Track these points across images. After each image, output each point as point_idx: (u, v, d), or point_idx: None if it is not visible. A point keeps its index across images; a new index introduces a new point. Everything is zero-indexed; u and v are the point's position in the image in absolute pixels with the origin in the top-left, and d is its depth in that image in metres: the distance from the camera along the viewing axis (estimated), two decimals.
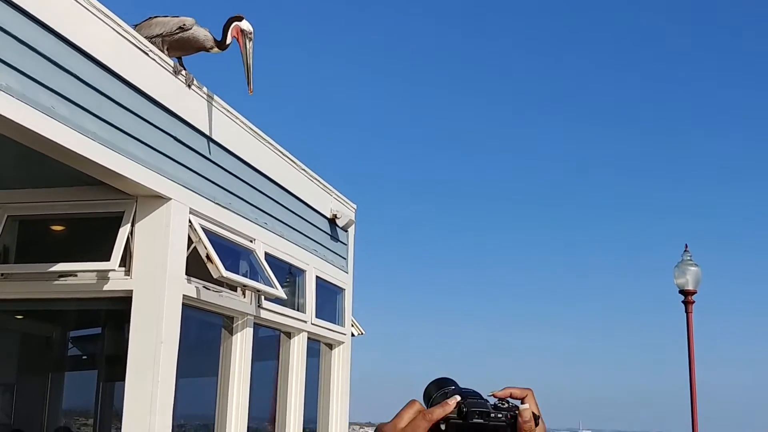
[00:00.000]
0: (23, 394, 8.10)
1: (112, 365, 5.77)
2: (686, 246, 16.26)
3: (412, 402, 1.27)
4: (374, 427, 1.41)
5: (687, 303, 16.74)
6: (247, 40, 6.00)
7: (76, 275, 5.77)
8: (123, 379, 6.14)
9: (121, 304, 5.70)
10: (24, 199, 6.02)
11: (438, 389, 1.34)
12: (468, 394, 1.28)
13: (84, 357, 7.96)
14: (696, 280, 17.03)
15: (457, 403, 1.24)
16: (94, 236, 5.78)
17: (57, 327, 7.49)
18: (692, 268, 16.93)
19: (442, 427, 1.25)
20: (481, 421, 1.26)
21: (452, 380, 1.36)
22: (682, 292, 15.92)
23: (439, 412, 1.24)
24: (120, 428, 5.70)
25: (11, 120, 4.23)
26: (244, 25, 6.00)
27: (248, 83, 6.09)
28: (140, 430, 5.46)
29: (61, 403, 7.99)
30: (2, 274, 5.88)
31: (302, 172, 8.28)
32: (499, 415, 1.27)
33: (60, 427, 7.00)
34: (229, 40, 5.96)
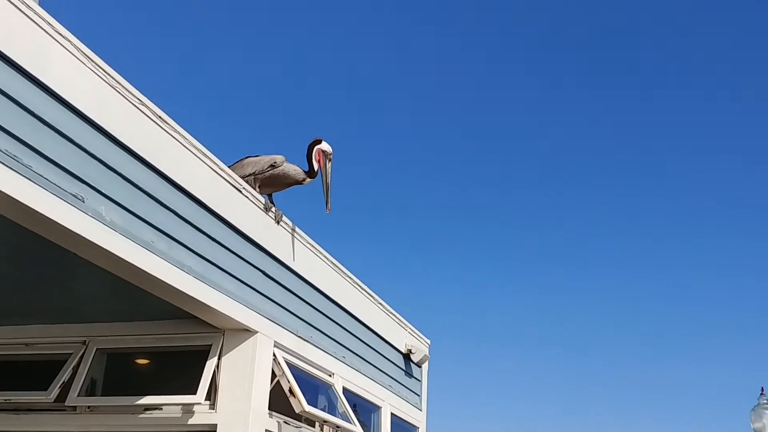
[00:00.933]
0: None
1: None
2: (762, 389, 15.80)
3: None
4: None
5: None
6: (327, 161, 6.12)
7: (161, 408, 5.74)
8: None
9: None
10: (112, 332, 6.08)
11: None
12: None
13: None
14: None
15: None
16: (181, 369, 5.78)
17: None
18: None
19: None
20: None
21: None
22: None
23: None
24: None
25: (114, 254, 4.31)
26: (325, 146, 6.14)
27: (326, 202, 6.19)
28: None
29: None
30: (89, 407, 5.88)
31: (378, 305, 8.29)
32: None
33: None
34: (316, 167, 6.07)
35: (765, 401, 15.53)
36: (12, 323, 6.27)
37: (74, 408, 5.88)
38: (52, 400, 5.80)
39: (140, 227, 4.53)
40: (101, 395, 6.01)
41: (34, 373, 6.01)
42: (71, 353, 6.02)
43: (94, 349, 6.00)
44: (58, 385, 5.83)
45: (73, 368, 5.91)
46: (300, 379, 6.30)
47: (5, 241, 4.68)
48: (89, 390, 5.91)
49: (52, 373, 5.91)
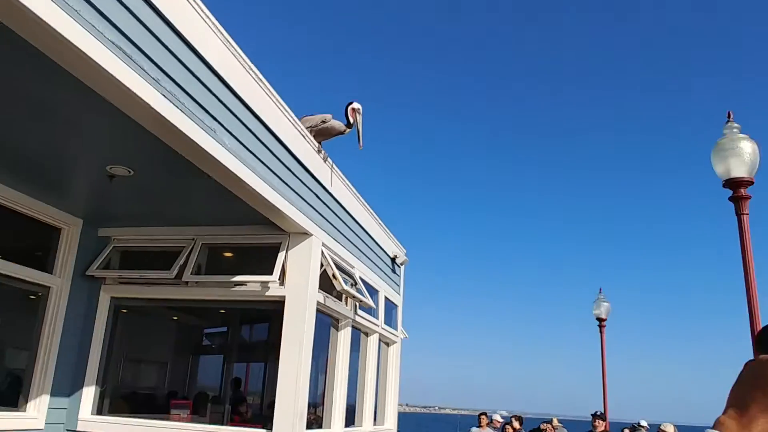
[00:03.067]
0: (174, 369, 7.94)
1: (270, 350, 5.71)
2: (600, 289, 16.13)
3: None
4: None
5: (601, 327, 16.45)
6: (358, 114, 6.13)
7: (246, 285, 5.78)
8: (268, 361, 6.11)
9: (278, 306, 5.64)
10: (213, 232, 6.14)
11: None
12: None
13: (250, 342, 7.78)
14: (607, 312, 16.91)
15: None
16: (260, 258, 5.82)
17: (230, 323, 7.40)
18: (605, 303, 16.69)
19: None
20: None
21: None
22: (598, 319, 15.78)
23: None
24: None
25: (230, 170, 4.34)
26: (356, 105, 6.17)
27: (359, 141, 6.20)
28: (291, 391, 5.35)
29: (230, 372, 7.82)
30: (197, 282, 5.92)
31: (378, 222, 8.33)
32: None
33: (233, 378, 6.83)
34: (351, 120, 6.05)
35: (602, 297, 15.90)
36: (144, 224, 6.27)
37: (186, 283, 5.95)
38: (173, 277, 5.80)
39: (246, 154, 4.59)
40: (206, 274, 5.96)
41: (160, 259, 6.00)
42: (184, 246, 6.05)
43: (200, 243, 6.02)
44: (176, 267, 5.86)
45: (186, 256, 5.96)
46: (336, 268, 6.33)
47: (151, 161, 4.57)
48: (197, 271, 5.90)
49: (172, 259, 5.92)
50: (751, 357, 0.93)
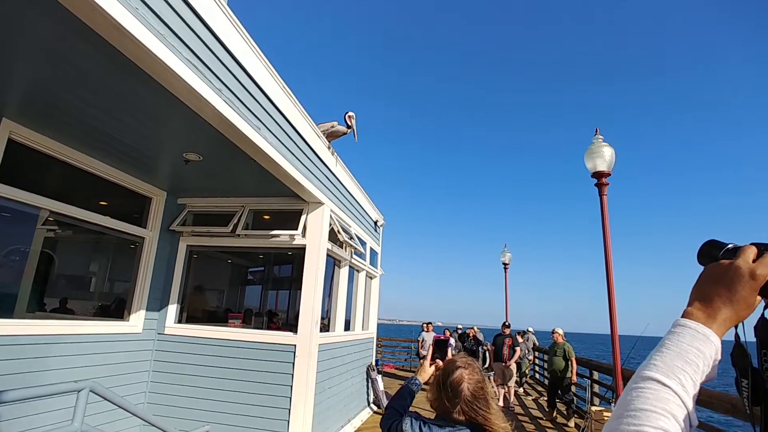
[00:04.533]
0: (229, 295, 7.83)
1: (300, 281, 5.60)
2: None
3: (749, 246, 0.77)
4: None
5: (505, 268, 13.95)
6: (352, 119, 5.96)
7: (279, 237, 5.63)
8: (293, 288, 6.00)
9: (300, 251, 5.53)
10: (256, 201, 5.96)
11: (719, 248, 0.80)
12: (762, 245, 0.76)
13: (279, 277, 7.67)
14: (510, 259, 14.88)
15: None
16: (289, 219, 5.68)
17: (267, 263, 7.26)
18: (508, 254, 14.60)
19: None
20: None
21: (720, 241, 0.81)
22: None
23: None
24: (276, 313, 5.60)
25: (272, 158, 4.17)
26: (351, 113, 5.96)
27: (355, 136, 6.03)
28: (309, 307, 5.27)
29: (267, 297, 7.72)
30: (246, 234, 5.74)
31: (366, 196, 8.18)
32: None
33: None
34: (349, 124, 5.88)
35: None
36: (209, 195, 6.06)
37: (238, 235, 5.81)
38: (229, 231, 5.65)
39: (283, 147, 4.42)
40: (251, 229, 5.80)
41: (220, 219, 5.81)
42: (237, 210, 5.86)
43: (248, 209, 5.84)
44: (231, 224, 5.70)
45: (238, 217, 5.77)
46: (340, 226, 6.21)
47: (215, 150, 4.40)
48: (246, 227, 5.76)
49: (228, 218, 5.77)
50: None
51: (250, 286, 8.00)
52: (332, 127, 5.76)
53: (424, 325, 13.02)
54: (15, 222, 4.17)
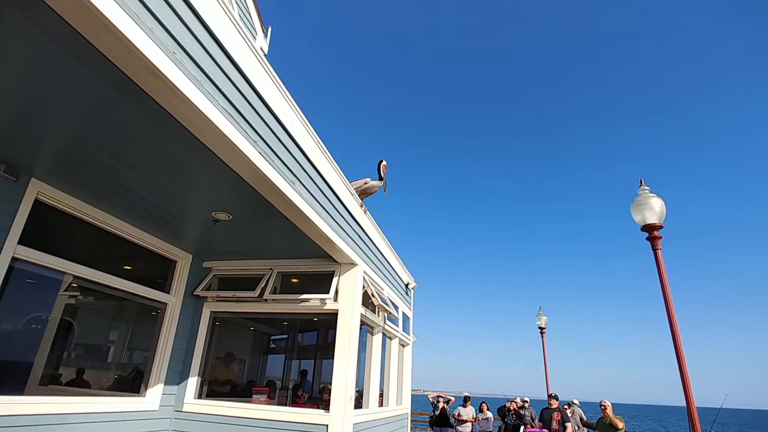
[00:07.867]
0: (251, 364, 7.34)
1: (325, 349, 5.14)
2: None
3: None
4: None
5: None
6: (385, 169, 5.73)
7: (309, 301, 5.25)
8: (318, 357, 5.53)
9: (329, 317, 5.12)
10: (285, 263, 5.67)
11: None
12: None
13: (303, 345, 7.20)
14: (545, 323, 14.09)
15: None
16: (320, 282, 5.32)
17: (291, 330, 6.83)
18: (543, 317, 13.94)
19: None
20: None
21: None
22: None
23: None
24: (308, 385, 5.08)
25: (306, 215, 3.92)
26: (384, 162, 5.77)
27: (384, 189, 5.78)
28: (342, 381, 4.77)
29: (290, 367, 7.21)
30: (274, 299, 5.39)
31: (397, 257, 7.83)
32: None
33: (301, 370, 6.27)
34: (382, 174, 5.66)
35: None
36: (236, 258, 5.81)
37: (266, 300, 5.44)
38: (256, 296, 5.30)
39: (317, 204, 4.19)
40: (279, 294, 5.44)
41: (247, 282, 5.48)
42: (265, 273, 5.55)
43: (276, 271, 5.52)
44: (259, 288, 5.36)
45: (266, 280, 5.44)
46: (374, 289, 5.81)
47: (245, 208, 4.18)
48: (274, 291, 5.41)
49: (256, 282, 5.44)
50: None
51: (273, 355, 7.52)
52: (365, 183, 5.55)
53: (439, 397, 12.26)
54: (38, 288, 3.94)
